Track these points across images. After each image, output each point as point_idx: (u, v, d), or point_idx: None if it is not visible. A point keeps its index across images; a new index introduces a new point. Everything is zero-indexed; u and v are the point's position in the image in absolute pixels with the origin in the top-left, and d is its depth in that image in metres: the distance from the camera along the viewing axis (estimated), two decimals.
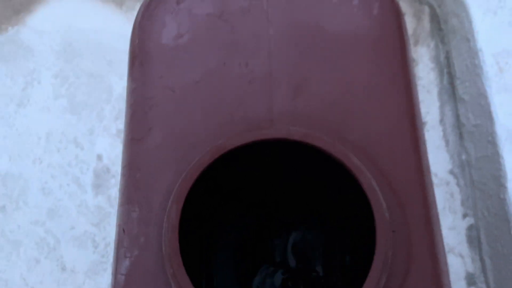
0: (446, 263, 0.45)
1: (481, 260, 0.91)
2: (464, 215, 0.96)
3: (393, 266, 0.42)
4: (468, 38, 0.98)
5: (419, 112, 0.52)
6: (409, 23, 1.11)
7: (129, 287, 0.44)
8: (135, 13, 0.57)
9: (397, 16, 0.51)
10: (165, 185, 0.46)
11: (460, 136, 1.02)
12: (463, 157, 1.00)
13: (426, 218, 0.45)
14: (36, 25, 1.17)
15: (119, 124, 1.10)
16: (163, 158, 0.48)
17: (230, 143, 0.42)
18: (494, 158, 0.91)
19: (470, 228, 0.95)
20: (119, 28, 1.14)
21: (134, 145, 0.49)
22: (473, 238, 0.94)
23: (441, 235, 0.48)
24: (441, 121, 1.05)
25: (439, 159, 1.02)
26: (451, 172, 1.01)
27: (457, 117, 1.05)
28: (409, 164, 0.48)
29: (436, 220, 0.47)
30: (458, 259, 0.93)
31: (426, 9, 1.13)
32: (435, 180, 1.01)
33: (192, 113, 0.49)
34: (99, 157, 1.07)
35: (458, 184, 0.99)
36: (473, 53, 0.98)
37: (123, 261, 0.44)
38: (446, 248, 0.99)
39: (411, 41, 0.96)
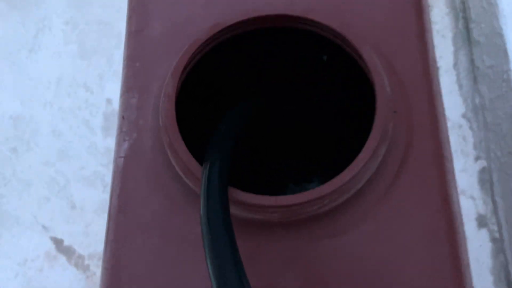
0: (449, 151, 0.44)
1: (493, 201, 0.89)
2: (476, 158, 0.94)
3: (393, 141, 0.40)
4: None
5: (427, 6, 0.50)
6: None
7: (128, 167, 0.43)
8: None
9: None
10: (164, 72, 0.45)
11: (474, 80, 0.99)
12: (477, 100, 0.98)
13: (429, 104, 0.44)
14: None
15: None
16: (163, 48, 0.48)
17: (231, 19, 0.41)
18: (508, 96, 0.88)
19: (482, 170, 0.93)
20: None
21: (133, 37, 0.49)
22: (485, 181, 0.92)
23: (445, 121, 0.47)
24: (455, 65, 1.03)
25: (452, 103, 1.00)
26: (464, 116, 0.99)
27: (471, 61, 1.02)
28: (415, 55, 0.46)
29: (440, 110, 0.46)
30: (469, 201, 0.91)
31: None
32: (447, 124, 0.99)
33: (192, 2, 0.48)
34: (109, 101, 1.07)
35: (471, 128, 0.97)
36: None
37: (122, 145, 0.44)
38: (457, 190, 0.97)
39: None
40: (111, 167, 1.00)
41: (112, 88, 1.10)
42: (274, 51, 0.48)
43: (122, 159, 0.43)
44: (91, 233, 0.97)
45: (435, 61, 0.49)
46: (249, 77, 0.51)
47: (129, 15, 0.50)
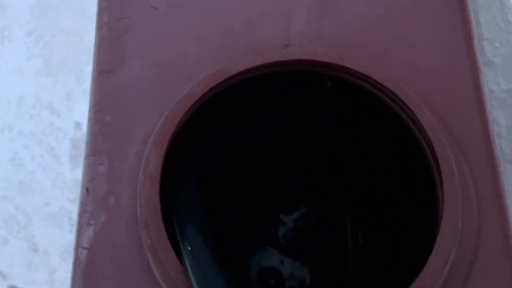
0: None
1: None
2: None
3: (462, 242, 0.29)
4: None
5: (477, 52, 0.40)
6: None
7: (94, 263, 0.31)
8: None
9: None
10: (143, 130, 0.33)
11: (489, 106, 0.90)
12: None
13: (495, 184, 0.33)
14: None
15: None
16: (142, 94, 0.35)
17: (233, 67, 0.30)
18: None
19: None
20: None
21: (103, 79, 0.36)
22: None
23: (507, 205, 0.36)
24: None
25: None
26: None
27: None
28: (471, 113, 0.35)
29: (504, 190, 0.35)
30: None
31: None
32: None
33: (182, 36, 0.36)
34: (78, 125, 0.95)
35: None
36: (506, 8, 0.86)
37: (86, 231, 0.32)
38: None
39: None
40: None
41: (81, 110, 0.97)
42: (287, 102, 0.36)
43: (86, 251, 0.31)
44: (56, 281, 0.84)
45: (490, 116, 0.38)
46: (249, 133, 0.39)
47: (98, 47, 0.37)
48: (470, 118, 0.35)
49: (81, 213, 0.34)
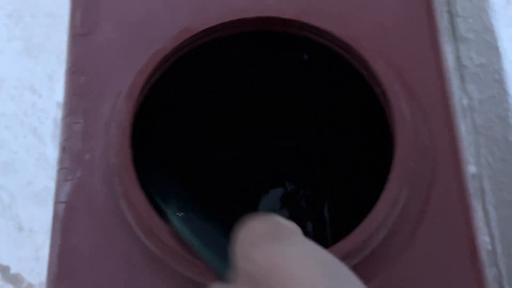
0: (469, 180, 0.36)
1: (485, 210, 0.83)
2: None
3: (416, 180, 0.32)
4: None
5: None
6: None
7: (71, 217, 0.33)
8: None
9: None
10: (117, 89, 0.34)
11: (462, 79, 0.93)
12: (465, 101, 0.91)
13: (448, 126, 0.35)
14: None
15: None
16: (116, 56, 0.37)
17: (201, 24, 0.31)
18: (501, 97, 0.82)
19: (472, 177, 0.87)
20: None
21: (78, 42, 0.38)
22: (476, 188, 0.86)
23: (463, 150, 0.39)
24: None
25: None
26: None
27: (457, 58, 0.95)
28: (430, 68, 0.37)
29: (461, 141, 0.37)
30: None
31: None
32: None
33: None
34: (59, 105, 0.95)
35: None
36: None
37: (63, 186, 0.33)
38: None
39: None
40: None
41: (63, 90, 0.97)
42: (255, 59, 0.38)
43: (63, 205, 0.33)
44: (42, 258, 0.85)
45: (448, 73, 0.40)
46: (224, 91, 0.41)
47: (73, 11, 0.38)
48: (429, 76, 0.37)
49: (59, 170, 0.35)
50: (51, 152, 0.96)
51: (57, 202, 0.34)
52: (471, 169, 0.89)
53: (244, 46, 0.38)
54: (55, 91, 0.96)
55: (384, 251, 0.32)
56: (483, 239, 0.86)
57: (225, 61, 0.39)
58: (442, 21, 1.00)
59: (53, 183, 0.93)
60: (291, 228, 0.24)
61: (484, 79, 0.87)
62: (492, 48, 0.86)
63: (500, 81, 0.84)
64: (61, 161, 0.35)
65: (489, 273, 0.83)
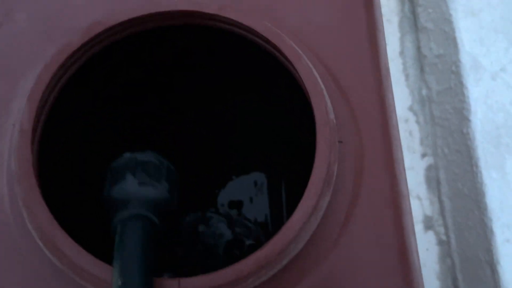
0: (406, 188, 0.34)
1: (440, 201, 0.84)
2: (423, 155, 0.87)
3: (340, 183, 0.30)
4: None
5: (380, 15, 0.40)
6: None
7: None
8: None
9: None
10: (28, 85, 0.32)
11: (421, 69, 0.92)
12: (424, 92, 0.91)
13: (383, 130, 0.34)
14: None
15: None
16: (28, 48, 0.34)
17: (114, 18, 0.29)
18: (457, 89, 0.82)
19: (429, 168, 0.87)
20: None
21: None
22: (432, 179, 0.86)
23: (402, 155, 0.37)
24: (401, 53, 0.95)
25: (398, 94, 0.92)
26: (411, 108, 0.92)
27: (418, 48, 0.94)
28: (363, 67, 0.36)
29: (396, 139, 0.36)
30: (415, 202, 0.85)
31: None
32: None
33: None
34: None
35: (417, 122, 0.90)
36: None
37: None
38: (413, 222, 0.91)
39: None
40: None
41: None
42: (176, 54, 0.36)
43: None
44: None
45: (387, 68, 0.39)
46: (143, 89, 0.38)
47: None
48: (364, 78, 0.36)
49: None
50: None
51: None
52: (428, 160, 0.89)
53: (164, 40, 0.35)
54: None
55: (307, 258, 0.31)
56: (438, 230, 0.86)
57: (145, 56, 0.37)
58: (404, 10, 0.99)
59: None
60: None
61: (442, 70, 0.87)
62: (450, 39, 0.86)
63: (456, 73, 0.84)
64: None
65: (443, 263, 0.84)
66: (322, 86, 0.30)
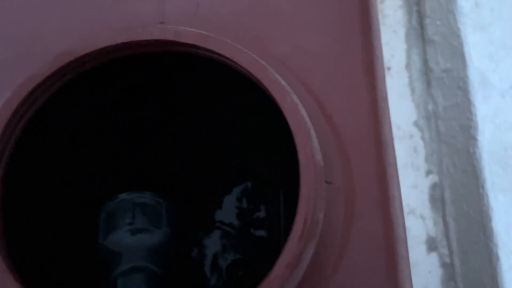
0: (403, 230, 0.32)
1: (444, 222, 0.81)
2: (428, 172, 0.84)
3: (327, 231, 0.28)
4: None
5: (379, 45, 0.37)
6: None
7: None
8: None
9: None
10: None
11: (428, 84, 0.89)
12: (430, 107, 0.87)
13: (378, 168, 0.31)
14: None
15: None
16: (4, 77, 0.32)
17: (84, 46, 0.26)
18: (464, 106, 0.79)
19: (433, 186, 0.84)
20: None
21: None
22: (437, 198, 0.83)
23: (399, 193, 0.35)
24: (407, 66, 0.92)
25: (403, 109, 0.90)
26: (416, 124, 0.89)
27: (425, 61, 0.91)
28: (358, 98, 0.33)
29: (393, 177, 0.33)
30: (418, 221, 0.82)
31: None
32: (397, 132, 0.89)
33: (44, 12, 0.32)
34: None
35: (422, 138, 0.87)
36: None
37: None
38: (407, 209, 0.88)
39: None
40: None
41: None
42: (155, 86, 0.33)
43: None
44: None
45: (385, 98, 0.36)
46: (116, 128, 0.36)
47: None
48: (356, 109, 0.33)
49: None
50: None
51: None
52: (433, 178, 0.86)
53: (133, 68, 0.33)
54: None
55: None
56: (442, 252, 0.83)
57: (144, 63, 0.35)
58: (411, 21, 0.96)
59: None
60: None
61: (449, 85, 0.84)
62: (458, 53, 0.82)
63: (464, 89, 0.81)
64: None
65: (446, 287, 0.81)
66: (309, 125, 0.27)
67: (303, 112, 0.28)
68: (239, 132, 0.56)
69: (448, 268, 0.81)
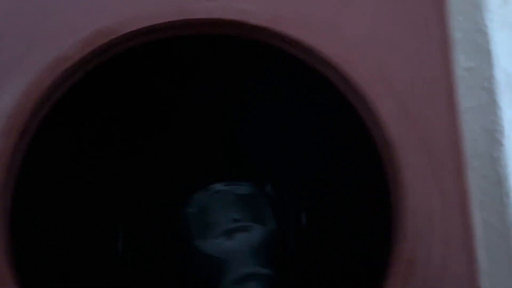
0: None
1: None
2: None
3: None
4: None
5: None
6: None
7: None
8: None
9: None
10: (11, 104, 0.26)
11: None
12: None
13: (463, 202, 0.40)
14: None
15: None
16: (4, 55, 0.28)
17: (127, 23, 0.25)
18: (489, 108, 0.74)
19: None
20: None
21: None
22: None
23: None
24: None
25: None
26: None
27: None
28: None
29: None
30: None
31: None
32: None
33: None
34: None
35: None
36: None
37: None
38: None
39: None
40: None
41: None
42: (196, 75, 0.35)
43: None
44: None
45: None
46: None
47: None
48: (440, 116, 0.30)
49: None
50: None
51: None
52: None
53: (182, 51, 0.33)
54: None
55: None
56: None
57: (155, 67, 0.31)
58: None
59: None
60: None
61: (472, 85, 0.80)
62: (483, 52, 0.78)
63: (489, 90, 0.77)
64: None
65: None
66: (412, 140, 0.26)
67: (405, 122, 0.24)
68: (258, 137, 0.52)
69: None
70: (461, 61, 0.83)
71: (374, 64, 0.34)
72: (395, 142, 0.33)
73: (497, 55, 0.75)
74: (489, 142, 0.75)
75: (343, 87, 0.34)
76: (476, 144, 0.79)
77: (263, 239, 0.36)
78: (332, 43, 0.32)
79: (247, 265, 0.33)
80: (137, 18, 0.30)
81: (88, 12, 0.29)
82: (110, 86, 0.32)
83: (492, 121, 0.74)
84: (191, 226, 0.36)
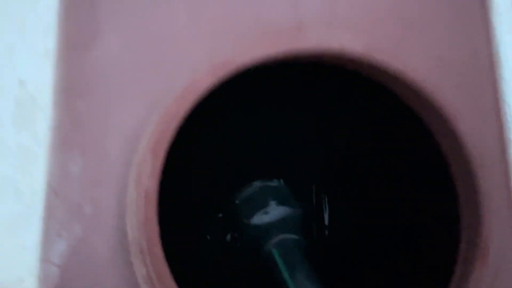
0: None
1: None
2: None
3: None
4: None
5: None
6: None
7: (68, 284, 0.27)
8: None
9: None
10: (125, 122, 0.28)
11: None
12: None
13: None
14: None
15: (49, 41, 0.83)
16: (122, 77, 0.30)
17: (246, 55, 0.26)
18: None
19: None
20: None
21: (72, 57, 0.30)
22: None
23: None
24: None
25: None
26: None
27: None
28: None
29: None
30: None
31: None
32: None
33: (174, 8, 0.31)
34: (22, 83, 0.83)
35: None
36: None
37: (55, 243, 0.28)
38: None
39: None
40: (27, 171, 0.76)
41: (25, 65, 0.83)
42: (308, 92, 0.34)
43: (57, 268, 0.27)
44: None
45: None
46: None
47: (64, 14, 0.30)
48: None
49: (48, 218, 0.29)
50: (12, 136, 0.84)
51: (47, 260, 0.28)
52: None
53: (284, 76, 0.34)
54: (17, 66, 0.83)
55: None
56: None
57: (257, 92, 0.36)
58: None
59: (14, 172, 0.81)
60: None
61: None
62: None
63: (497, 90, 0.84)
64: (51, 207, 0.29)
65: None
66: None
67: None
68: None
69: None
70: None
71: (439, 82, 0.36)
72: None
73: (506, 57, 0.82)
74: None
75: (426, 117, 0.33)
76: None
77: (296, 215, 0.53)
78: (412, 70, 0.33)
79: (279, 233, 0.48)
80: (252, 51, 0.32)
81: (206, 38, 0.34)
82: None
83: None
84: (242, 210, 0.54)
